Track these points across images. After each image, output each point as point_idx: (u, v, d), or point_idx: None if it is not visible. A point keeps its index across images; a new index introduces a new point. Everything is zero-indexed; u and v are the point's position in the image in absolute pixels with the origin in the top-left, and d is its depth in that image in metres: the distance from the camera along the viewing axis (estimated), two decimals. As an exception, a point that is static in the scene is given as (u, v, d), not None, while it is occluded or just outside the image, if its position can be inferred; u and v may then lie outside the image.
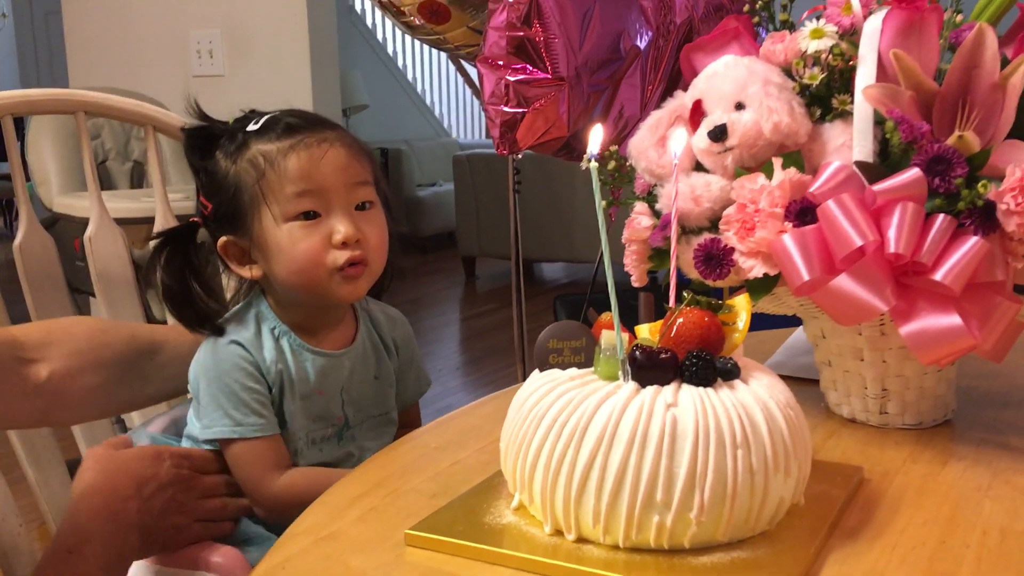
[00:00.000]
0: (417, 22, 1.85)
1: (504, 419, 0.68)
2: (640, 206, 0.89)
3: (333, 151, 0.94)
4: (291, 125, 0.95)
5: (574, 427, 0.62)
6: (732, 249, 0.80)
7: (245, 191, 0.94)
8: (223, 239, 0.97)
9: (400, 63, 7.86)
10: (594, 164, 0.64)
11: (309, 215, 0.92)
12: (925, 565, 0.61)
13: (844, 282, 0.73)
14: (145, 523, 0.88)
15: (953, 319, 0.71)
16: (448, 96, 8.36)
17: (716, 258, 0.81)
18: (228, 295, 1.07)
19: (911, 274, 0.73)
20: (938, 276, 0.70)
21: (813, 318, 0.88)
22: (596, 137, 0.65)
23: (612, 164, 0.96)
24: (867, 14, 0.80)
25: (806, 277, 0.74)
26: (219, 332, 0.96)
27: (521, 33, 1.67)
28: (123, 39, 3.20)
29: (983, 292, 0.72)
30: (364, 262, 0.94)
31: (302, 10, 3.25)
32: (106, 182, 3.04)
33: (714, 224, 0.83)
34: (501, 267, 5.89)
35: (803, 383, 0.98)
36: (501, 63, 1.71)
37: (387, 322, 1.05)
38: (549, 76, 1.71)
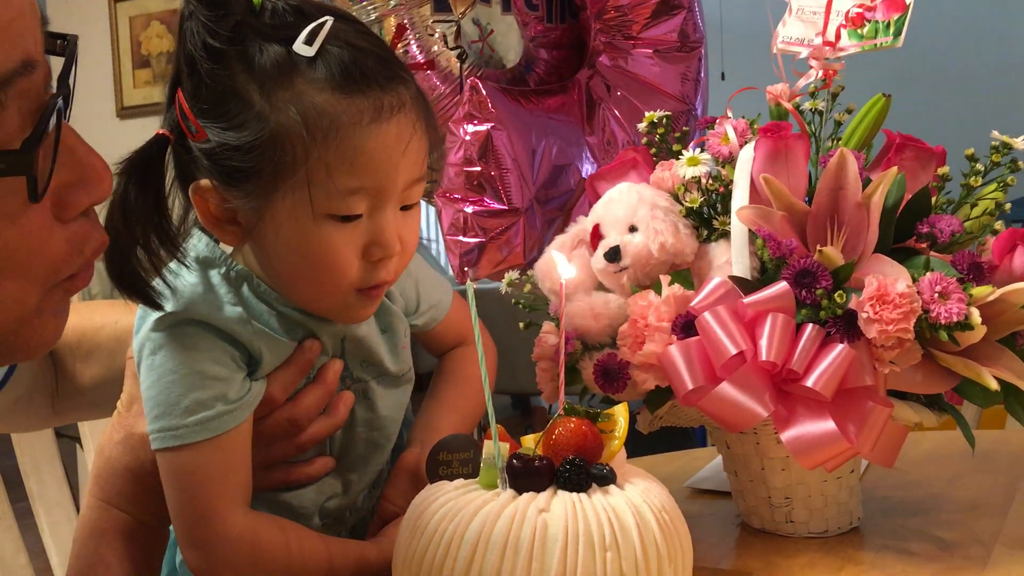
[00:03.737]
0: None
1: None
2: (548, 325, 0.94)
3: (415, 140, 0.71)
4: (361, 66, 0.68)
5: (452, 534, 0.64)
6: (627, 363, 0.84)
7: (274, 148, 0.67)
8: (205, 183, 0.70)
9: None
10: (471, 284, 0.68)
11: (350, 218, 0.70)
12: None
13: (726, 389, 0.76)
14: None
15: (827, 424, 0.74)
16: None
17: (613, 372, 0.84)
18: None
19: (789, 382, 0.77)
20: (809, 382, 0.74)
21: (716, 428, 0.91)
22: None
23: (528, 287, 1.02)
24: (742, 143, 0.87)
25: (690, 386, 0.77)
26: (158, 307, 0.71)
27: (478, 168, 1.76)
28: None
29: (855, 397, 0.75)
30: (389, 282, 0.75)
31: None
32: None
33: (614, 340, 0.87)
34: (498, 401, 5.84)
35: (726, 497, 1.00)
36: (459, 196, 1.80)
37: None
38: (506, 207, 1.79)
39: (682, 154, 0.92)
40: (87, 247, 0.57)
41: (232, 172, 0.69)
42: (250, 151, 0.68)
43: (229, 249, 0.78)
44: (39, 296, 0.55)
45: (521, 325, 1.02)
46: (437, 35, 1.78)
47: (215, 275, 0.75)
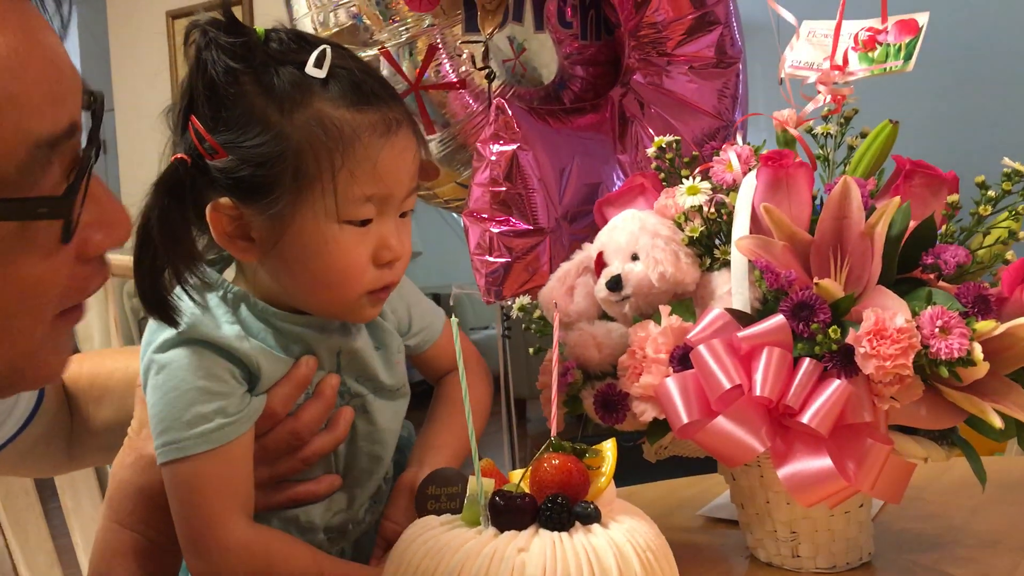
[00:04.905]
0: (408, 179, 1.96)
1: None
2: (550, 353, 0.93)
3: (416, 151, 0.78)
4: (367, 85, 0.75)
5: (432, 573, 0.64)
6: (627, 394, 0.83)
7: (296, 161, 0.72)
8: (223, 201, 0.74)
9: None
10: (454, 320, 0.68)
11: (366, 221, 0.75)
12: None
13: (722, 423, 0.75)
14: None
15: (824, 461, 0.72)
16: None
17: (612, 403, 0.84)
18: None
19: (788, 416, 0.75)
20: (804, 419, 0.72)
21: (722, 460, 0.90)
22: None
23: (537, 313, 1.01)
24: (746, 171, 0.85)
25: (685, 419, 0.76)
26: (176, 324, 0.74)
27: (503, 188, 1.75)
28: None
29: (854, 433, 0.73)
30: (396, 282, 0.79)
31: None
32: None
33: (616, 371, 0.87)
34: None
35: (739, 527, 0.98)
36: (485, 216, 1.80)
37: None
38: (531, 227, 1.79)
39: (689, 180, 0.91)
40: (92, 284, 0.61)
41: (252, 186, 0.73)
42: (273, 165, 0.72)
43: (230, 276, 0.81)
44: (45, 330, 0.58)
45: (531, 351, 1.02)
46: (465, 55, 1.78)
47: (213, 298, 0.78)
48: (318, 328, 0.80)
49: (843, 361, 0.72)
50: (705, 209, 0.85)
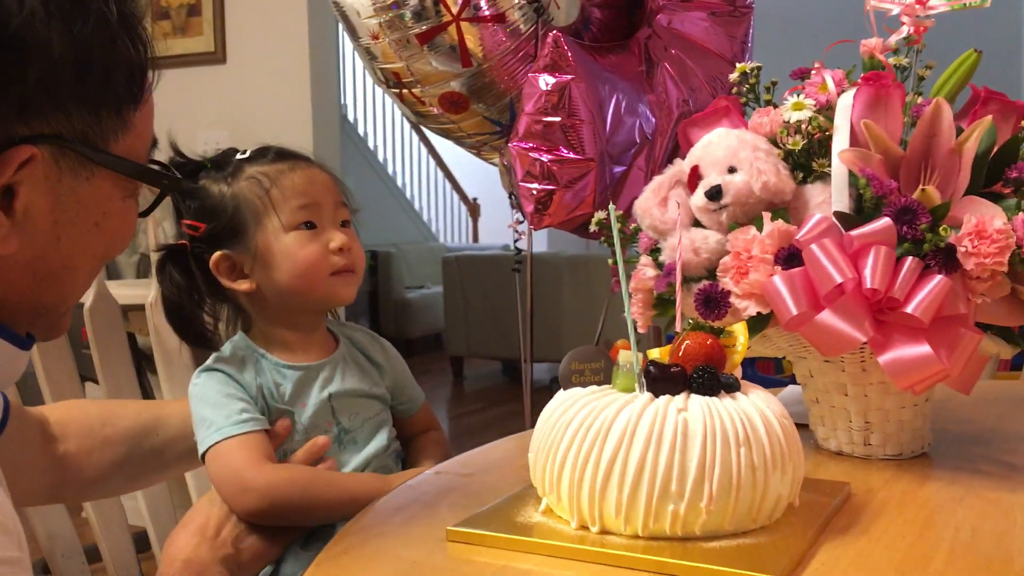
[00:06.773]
0: (435, 111, 1.98)
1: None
2: (645, 259, 1.00)
3: (322, 174, 1.09)
4: (281, 152, 1.08)
5: (597, 430, 0.71)
6: (729, 292, 0.91)
7: (247, 206, 1.03)
8: (217, 255, 1.04)
9: (390, 170, 8.01)
10: (614, 212, 0.75)
11: (309, 225, 1.04)
12: (905, 552, 0.70)
13: (827, 317, 0.83)
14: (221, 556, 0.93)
15: (924, 348, 0.81)
16: (435, 201, 8.50)
17: (715, 300, 0.91)
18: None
19: (886, 310, 0.84)
20: (909, 309, 0.81)
21: (802, 358, 0.98)
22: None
23: (618, 226, 1.08)
24: (840, 91, 0.93)
25: (794, 312, 0.84)
26: (209, 347, 1.05)
27: (557, 118, 1.79)
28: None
29: (949, 324, 0.82)
30: (354, 269, 1.06)
31: (307, 114, 3.43)
32: (113, 274, 3.15)
33: (711, 273, 0.94)
34: (488, 367, 5.95)
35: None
36: (533, 145, 1.84)
37: (370, 343, 1.12)
38: (580, 157, 1.83)
39: (774, 103, 0.98)
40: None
41: (226, 235, 1.04)
42: (230, 215, 1.04)
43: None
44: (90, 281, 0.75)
45: (610, 261, 1.08)
46: (509, -13, 1.80)
47: (240, 353, 1.05)
48: (309, 370, 1.04)
49: (946, 259, 0.81)
50: (804, 125, 0.93)
